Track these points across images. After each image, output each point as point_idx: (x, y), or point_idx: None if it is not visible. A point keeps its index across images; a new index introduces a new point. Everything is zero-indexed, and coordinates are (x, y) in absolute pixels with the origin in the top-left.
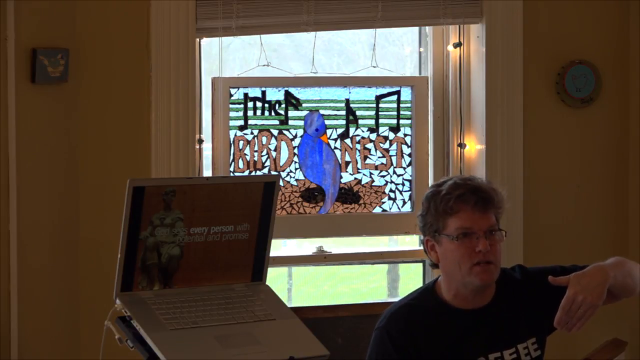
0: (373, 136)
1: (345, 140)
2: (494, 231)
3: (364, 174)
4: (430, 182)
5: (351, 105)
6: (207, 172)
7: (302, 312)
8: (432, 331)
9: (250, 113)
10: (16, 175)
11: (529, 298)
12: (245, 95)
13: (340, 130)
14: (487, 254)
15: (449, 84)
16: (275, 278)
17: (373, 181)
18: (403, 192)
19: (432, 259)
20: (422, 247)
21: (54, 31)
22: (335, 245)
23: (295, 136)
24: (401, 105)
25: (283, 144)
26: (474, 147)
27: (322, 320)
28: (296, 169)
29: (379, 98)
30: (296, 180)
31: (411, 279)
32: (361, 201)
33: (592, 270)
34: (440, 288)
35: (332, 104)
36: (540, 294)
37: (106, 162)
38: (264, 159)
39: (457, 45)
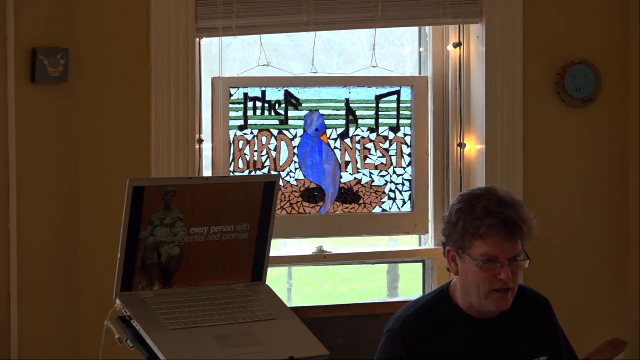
0: (373, 136)
1: (345, 140)
2: (518, 259)
3: (364, 174)
4: (431, 182)
5: (351, 105)
6: (207, 172)
7: (302, 312)
8: (444, 337)
9: (250, 113)
10: (16, 175)
11: (545, 324)
12: (245, 95)
13: (340, 130)
14: (508, 281)
15: (449, 84)
16: (275, 278)
17: (373, 181)
18: (403, 192)
19: (450, 269)
20: (421, 247)
21: (54, 31)
22: (335, 245)
23: (295, 136)
24: (401, 105)
25: (283, 144)
26: (474, 147)
27: (322, 320)
28: (296, 169)
29: (379, 98)
30: (296, 180)
31: (411, 279)
32: (361, 201)
33: None
34: (455, 293)
35: (332, 104)
36: (553, 332)
37: (106, 162)
38: (264, 159)
39: (457, 45)
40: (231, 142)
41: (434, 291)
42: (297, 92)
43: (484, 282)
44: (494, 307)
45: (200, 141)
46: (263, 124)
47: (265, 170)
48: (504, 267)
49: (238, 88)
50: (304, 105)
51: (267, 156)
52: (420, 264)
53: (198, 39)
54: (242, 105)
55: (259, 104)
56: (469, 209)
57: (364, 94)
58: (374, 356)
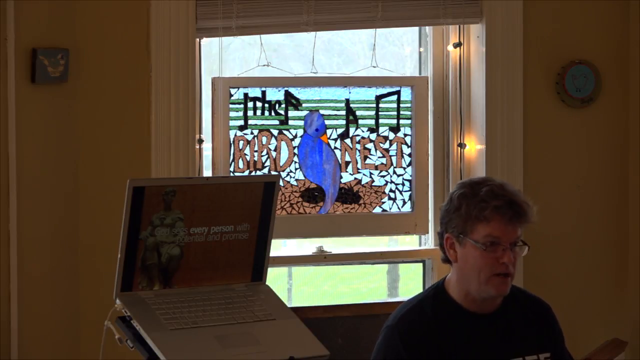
0: (373, 136)
1: (345, 140)
2: (517, 244)
3: (364, 174)
4: (431, 182)
5: (351, 105)
6: (207, 172)
7: (302, 312)
8: (440, 331)
9: (250, 113)
10: (16, 175)
11: (544, 326)
12: (245, 95)
13: (340, 130)
14: (509, 266)
15: (449, 84)
16: (275, 278)
17: (373, 181)
18: (403, 192)
19: (448, 257)
20: (421, 247)
21: (54, 31)
22: (335, 245)
23: (295, 136)
24: (401, 105)
25: (283, 144)
26: (474, 147)
27: (322, 320)
28: (296, 169)
29: (379, 98)
30: (296, 180)
31: (411, 279)
32: (361, 201)
33: None
34: (450, 287)
35: (332, 104)
36: (552, 333)
37: (106, 162)
38: (264, 159)
39: (457, 45)
40: (231, 142)
41: (429, 287)
42: (297, 92)
43: (485, 266)
44: (495, 292)
45: (200, 141)
46: (263, 124)
47: (265, 170)
48: (506, 251)
49: (238, 88)
50: (304, 105)
51: (267, 156)
52: (420, 264)
53: (198, 39)
54: (242, 105)
55: (259, 104)
56: (472, 193)
57: (364, 94)
58: (372, 354)
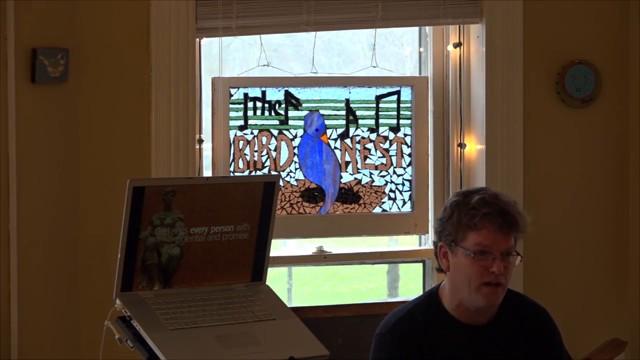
0: (373, 136)
1: (345, 140)
2: (510, 254)
3: (364, 174)
4: (431, 182)
5: (351, 105)
6: (207, 172)
7: (302, 312)
8: (431, 340)
9: (250, 113)
10: (16, 175)
11: (542, 334)
12: (245, 95)
13: (340, 130)
14: (499, 276)
15: (449, 84)
16: (275, 278)
17: (373, 181)
18: (403, 192)
19: (441, 265)
20: (421, 247)
21: (54, 31)
22: (335, 245)
23: (295, 136)
24: (401, 105)
25: (283, 144)
26: (474, 147)
27: (322, 320)
28: (296, 169)
29: (379, 98)
30: (296, 180)
31: (411, 279)
32: (361, 201)
33: None
34: (443, 295)
35: (332, 104)
36: (547, 342)
37: (106, 162)
38: (264, 159)
39: (457, 45)
40: (231, 142)
41: (423, 294)
42: (297, 92)
43: (474, 275)
44: (484, 302)
45: (200, 141)
46: (263, 124)
47: (265, 170)
48: (495, 260)
49: (238, 88)
50: (304, 105)
51: (267, 156)
52: (420, 264)
53: (198, 39)
54: (242, 105)
55: (259, 104)
56: (464, 201)
57: (364, 94)
58: None
